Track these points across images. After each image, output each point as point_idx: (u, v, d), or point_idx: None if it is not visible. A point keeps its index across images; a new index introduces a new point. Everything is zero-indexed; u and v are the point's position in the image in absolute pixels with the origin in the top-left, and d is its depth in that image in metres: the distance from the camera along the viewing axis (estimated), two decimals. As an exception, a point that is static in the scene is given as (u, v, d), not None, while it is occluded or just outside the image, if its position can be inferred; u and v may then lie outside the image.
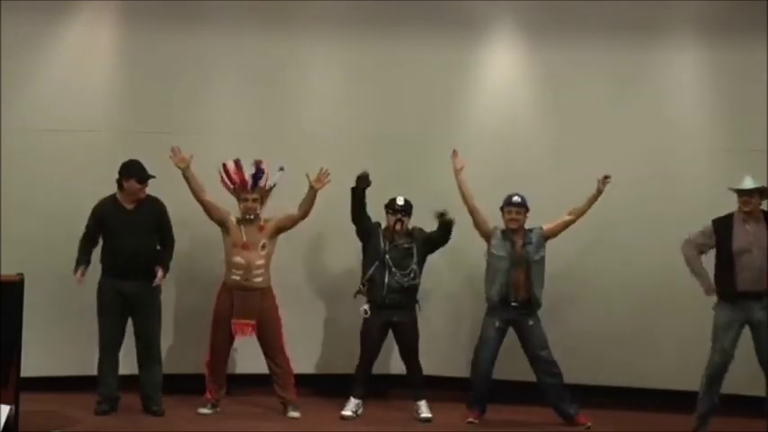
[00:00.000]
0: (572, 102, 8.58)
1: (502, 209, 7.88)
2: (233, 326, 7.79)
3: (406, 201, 7.95)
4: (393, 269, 7.86)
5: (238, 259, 7.77)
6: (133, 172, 7.61)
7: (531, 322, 7.78)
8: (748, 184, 7.47)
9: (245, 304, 7.77)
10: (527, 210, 7.87)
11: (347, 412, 7.90)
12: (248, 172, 7.81)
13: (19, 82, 8.19)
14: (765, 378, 7.43)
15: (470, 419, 7.82)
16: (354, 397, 7.95)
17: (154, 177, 7.63)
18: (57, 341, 8.01)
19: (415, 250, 7.92)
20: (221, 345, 7.87)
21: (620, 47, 8.50)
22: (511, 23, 8.65)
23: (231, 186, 7.87)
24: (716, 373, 7.44)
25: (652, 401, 8.29)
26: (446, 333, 8.49)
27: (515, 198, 7.85)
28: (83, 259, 7.61)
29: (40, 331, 7.63)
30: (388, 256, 7.86)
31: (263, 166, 7.80)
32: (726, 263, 7.42)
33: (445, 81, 8.61)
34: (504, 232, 7.86)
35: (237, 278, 7.78)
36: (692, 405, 7.51)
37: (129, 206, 7.67)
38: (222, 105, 8.52)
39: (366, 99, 8.59)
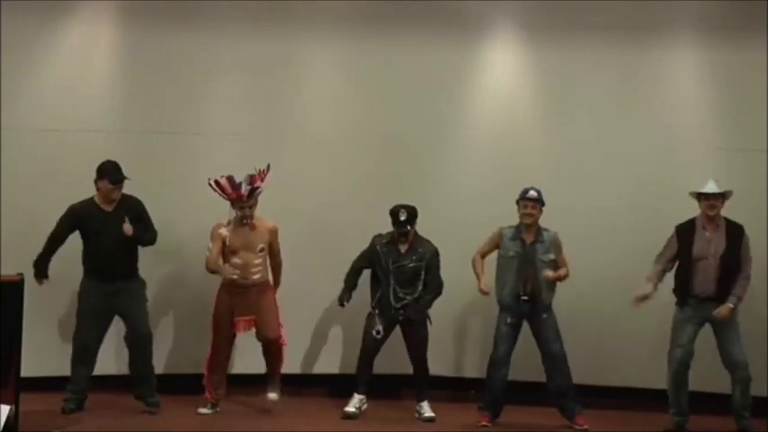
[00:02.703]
0: (572, 102, 8.57)
1: (518, 202, 7.77)
2: (236, 323, 7.81)
3: (408, 214, 7.86)
4: (398, 289, 7.87)
5: (236, 260, 7.78)
6: (106, 173, 7.57)
7: (544, 315, 7.72)
8: (712, 187, 7.53)
9: (244, 300, 7.79)
10: (542, 205, 7.74)
11: (350, 408, 7.89)
12: (244, 184, 7.70)
13: (19, 82, 8.19)
14: (731, 375, 7.51)
15: (483, 423, 7.73)
16: (357, 393, 7.95)
17: (127, 179, 7.58)
18: (56, 341, 8.01)
19: (422, 269, 7.91)
20: (222, 344, 7.87)
21: (620, 47, 8.50)
22: (511, 24, 8.64)
23: (226, 198, 7.79)
24: (678, 370, 7.54)
25: (653, 401, 8.29)
26: (453, 333, 8.49)
27: (531, 192, 7.71)
28: (43, 270, 7.55)
29: (40, 331, 7.63)
30: (392, 278, 7.88)
31: (258, 183, 7.72)
32: (685, 267, 7.59)
33: (445, 81, 8.59)
34: (516, 229, 7.76)
35: (235, 277, 7.79)
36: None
37: (108, 208, 7.63)
38: (222, 105, 8.51)
39: (366, 99, 8.58)
